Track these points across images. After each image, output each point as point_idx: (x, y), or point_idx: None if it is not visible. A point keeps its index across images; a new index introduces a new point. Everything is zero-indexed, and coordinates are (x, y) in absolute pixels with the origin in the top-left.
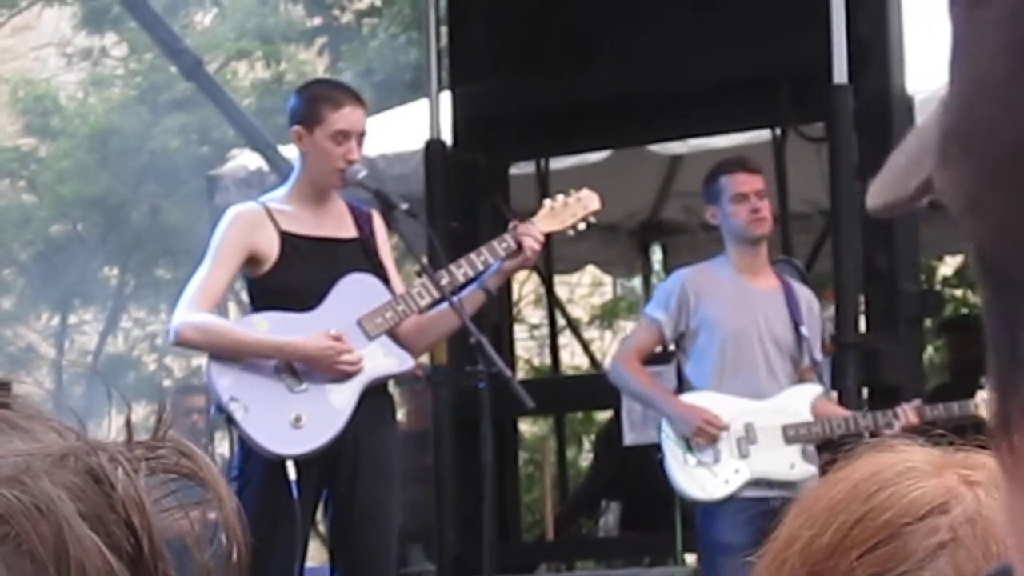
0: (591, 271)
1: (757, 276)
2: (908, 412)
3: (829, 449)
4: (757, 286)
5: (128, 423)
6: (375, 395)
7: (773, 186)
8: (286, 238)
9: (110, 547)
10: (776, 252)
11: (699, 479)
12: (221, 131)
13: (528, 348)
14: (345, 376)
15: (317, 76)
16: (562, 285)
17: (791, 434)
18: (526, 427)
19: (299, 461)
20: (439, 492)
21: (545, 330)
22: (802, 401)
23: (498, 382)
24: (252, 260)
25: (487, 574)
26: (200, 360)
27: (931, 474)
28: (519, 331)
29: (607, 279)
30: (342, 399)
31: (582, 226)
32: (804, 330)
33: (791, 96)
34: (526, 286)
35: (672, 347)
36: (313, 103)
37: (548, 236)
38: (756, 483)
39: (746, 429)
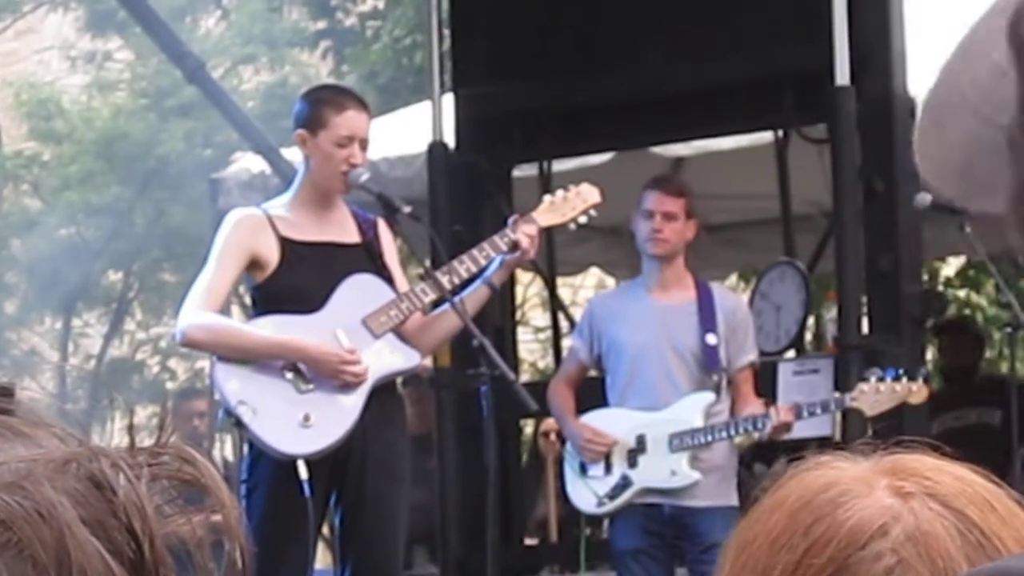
0: (595, 273)
1: (668, 290)
2: (782, 411)
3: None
4: (665, 301)
5: (130, 428)
6: (384, 394)
7: (775, 188)
8: (287, 244)
9: (111, 552)
10: (779, 253)
11: (586, 492)
12: (225, 135)
13: (532, 350)
14: (347, 385)
15: (321, 79)
16: (565, 287)
17: (676, 443)
18: (530, 430)
19: (310, 461)
20: (442, 495)
21: (549, 333)
22: (693, 409)
23: (501, 385)
24: (254, 264)
25: None
26: (203, 363)
27: (863, 494)
28: (523, 333)
29: (611, 281)
30: (350, 398)
31: (583, 219)
32: (711, 339)
33: (793, 98)
34: (530, 288)
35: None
36: (317, 107)
37: (549, 231)
38: (647, 491)
39: (637, 441)
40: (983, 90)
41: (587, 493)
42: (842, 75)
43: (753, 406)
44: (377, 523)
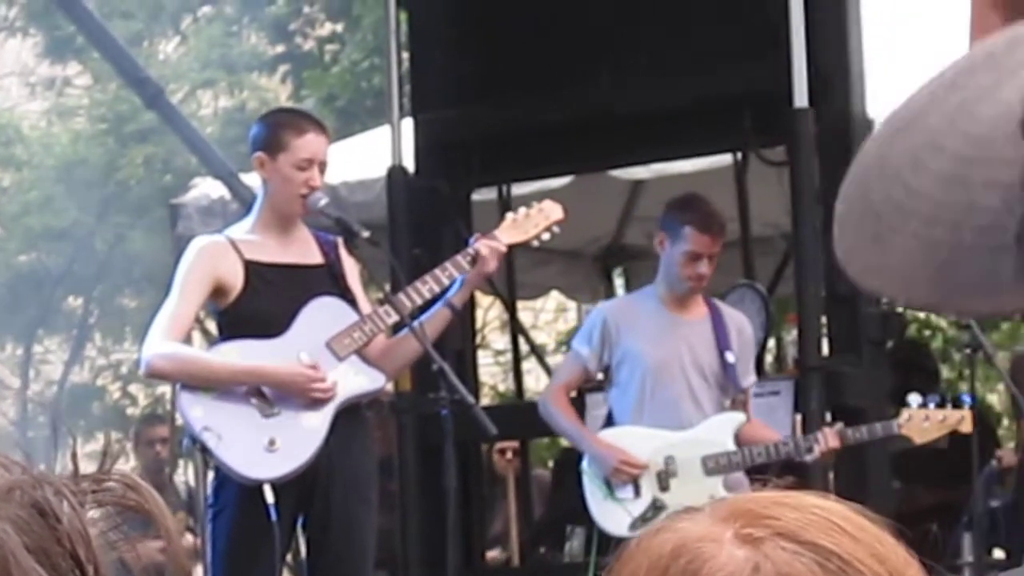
0: (555, 297)
1: (684, 307)
2: (829, 436)
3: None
4: (682, 316)
5: (74, 456)
6: (349, 417)
7: (735, 210)
8: (251, 266)
9: None
10: (738, 276)
11: (614, 515)
12: (184, 160)
13: (493, 374)
14: (318, 403)
15: (279, 104)
16: (526, 311)
17: (711, 465)
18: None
19: (276, 485)
20: (403, 518)
21: (509, 356)
22: (723, 430)
23: (461, 409)
24: (218, 291)
25: None
26: (165, 389)
27: (714, 553)
28: (483, 357)
29: (571, 304)
30: (316, 420)
31: (546, 236)
32: (730, 357)
33: (752, 120)
34: (490, 312)
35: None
36: (276, 130)
37: (510, 253)
38: None
39: (666, 462)
40: (934, 199)
41: (621, 514)
42: (800, 97)
43: (768, 428)
44: (345, 546)
